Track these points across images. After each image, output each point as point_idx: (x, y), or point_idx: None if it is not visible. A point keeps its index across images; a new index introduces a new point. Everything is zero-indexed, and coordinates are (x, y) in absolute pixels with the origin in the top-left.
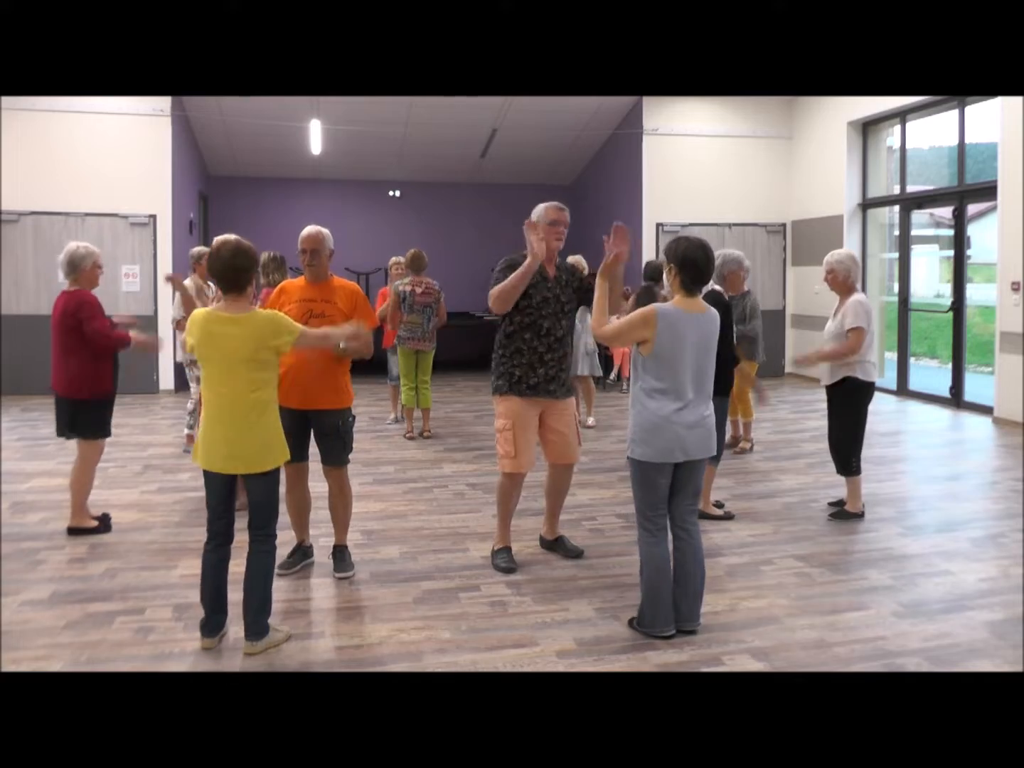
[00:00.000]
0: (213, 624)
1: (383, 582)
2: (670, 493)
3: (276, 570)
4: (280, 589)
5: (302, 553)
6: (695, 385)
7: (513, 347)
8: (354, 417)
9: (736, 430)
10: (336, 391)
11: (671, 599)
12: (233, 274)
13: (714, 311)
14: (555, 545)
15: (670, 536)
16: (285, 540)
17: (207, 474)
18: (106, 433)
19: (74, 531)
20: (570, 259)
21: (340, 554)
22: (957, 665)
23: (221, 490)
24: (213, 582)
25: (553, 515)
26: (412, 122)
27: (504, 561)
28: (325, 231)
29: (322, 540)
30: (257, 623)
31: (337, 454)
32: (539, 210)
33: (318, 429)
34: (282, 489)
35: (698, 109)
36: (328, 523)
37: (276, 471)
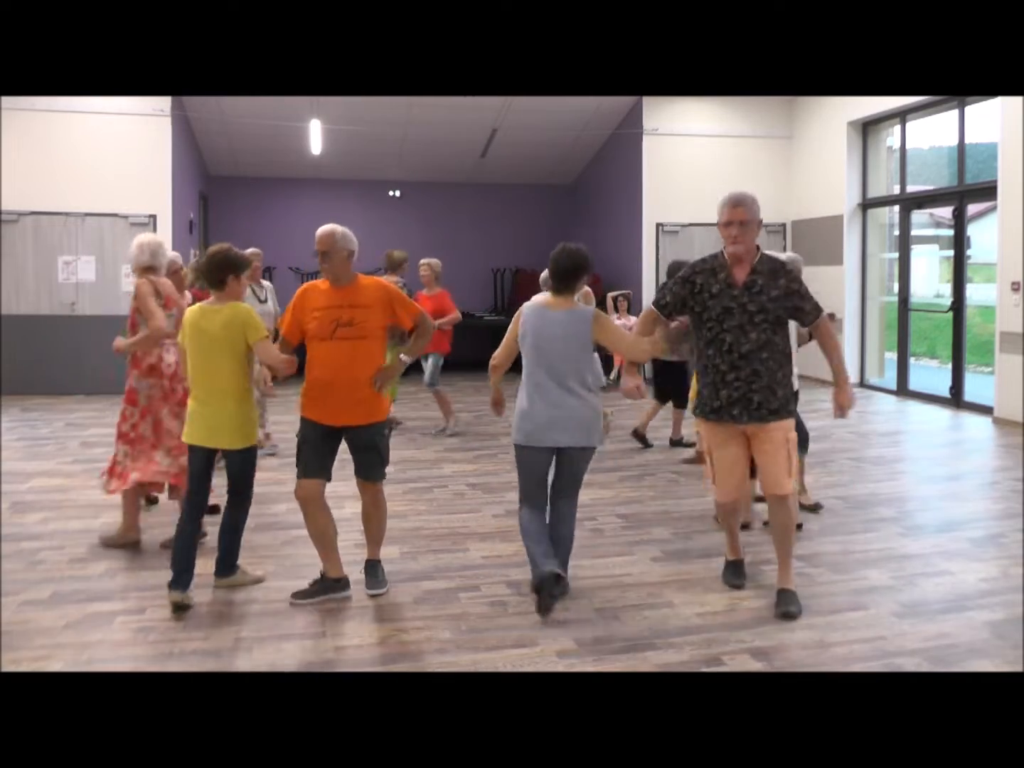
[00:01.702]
0: (184, 581)
1: None
2: (554, 476)
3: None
4: (280, 589)
5: (324, 586)
6: (558, 378)
7: (702, 364)
8: (391, 428)
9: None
10: (367, 404)
11: (538, 557)
12: (215, 274)
13: (583, 311)
14: (780, 599)
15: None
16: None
17: (190, 449)
18: None
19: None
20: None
21: (372, 569)
22: (957, 665)
23: (201, 466)
24: (186, 548)
25: (779, 560)
26: (412, 122)
27: (734, 577)
28: (340, 230)
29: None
30: (223, 563)
31: (372, 468)
32: (719, 205)
33: (352, 444)
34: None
35: (698, 109)
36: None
37: (251, 450)
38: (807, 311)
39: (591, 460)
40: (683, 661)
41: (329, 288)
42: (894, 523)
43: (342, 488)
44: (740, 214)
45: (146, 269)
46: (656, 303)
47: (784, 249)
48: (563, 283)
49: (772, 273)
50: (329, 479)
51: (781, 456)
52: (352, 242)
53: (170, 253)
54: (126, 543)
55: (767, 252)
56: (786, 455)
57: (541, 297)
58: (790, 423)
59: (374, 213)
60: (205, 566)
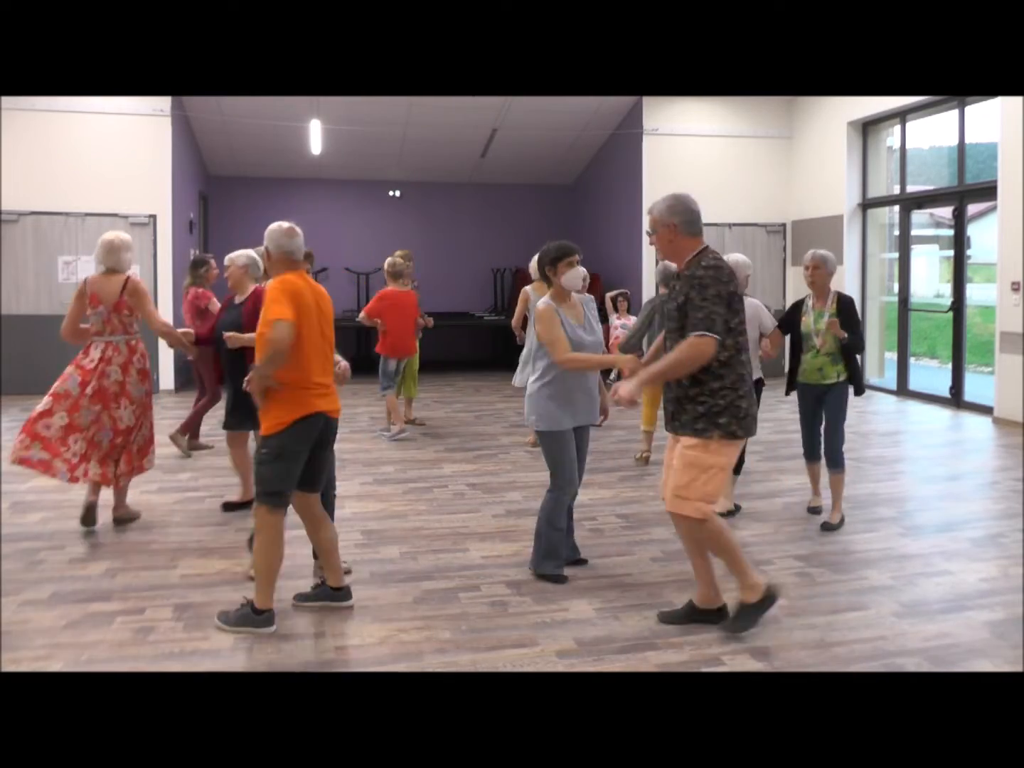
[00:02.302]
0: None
1: (383, 582)
2: None
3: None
4: (280, 589)
5: (319, 593)
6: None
7: None
8: (271, 447)
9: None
10: (262, 411)
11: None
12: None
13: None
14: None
15: None
16: None
17: None
18: (227, 426)
19: (230, 506)
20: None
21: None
22: (957, 665)
23: None
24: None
25: (698, 576)
26: (412, 122)
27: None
28: (273, 226)
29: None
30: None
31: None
32: None
33: None
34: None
35: (698, 109)
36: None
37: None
38: (692, 323)
39: (548, 448)
40: (683, 661)
41: None
42: (894, 523)
43: (343, 487)
44: (651, 220)
45: (108, 268)
46: None
47: (784, 249)
48: (540, 276)
49: (683, 279)
50: (294, 489)
51: (680, 473)
52: (276, 239)
53: (249, 254)
54: (87, 512)
55: (705, 256)
56: (690, 475)
57: None
58: (703, 443)
59: (374, 213)
60: (206, 566)
